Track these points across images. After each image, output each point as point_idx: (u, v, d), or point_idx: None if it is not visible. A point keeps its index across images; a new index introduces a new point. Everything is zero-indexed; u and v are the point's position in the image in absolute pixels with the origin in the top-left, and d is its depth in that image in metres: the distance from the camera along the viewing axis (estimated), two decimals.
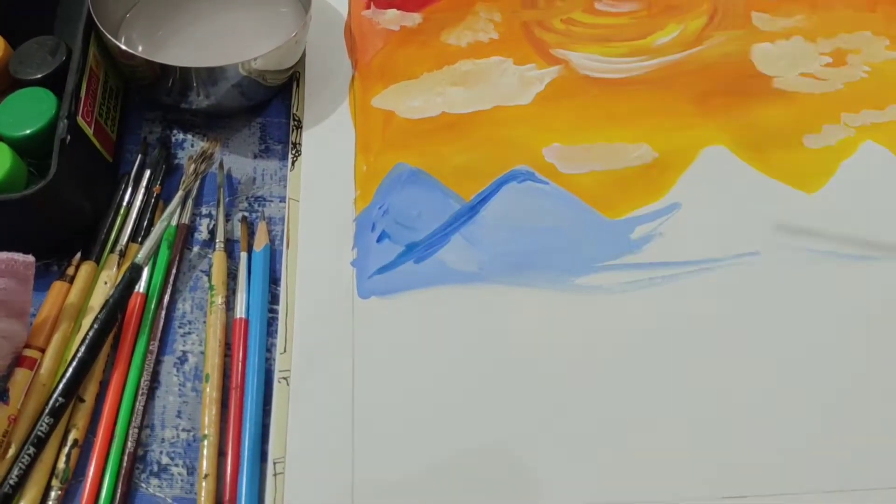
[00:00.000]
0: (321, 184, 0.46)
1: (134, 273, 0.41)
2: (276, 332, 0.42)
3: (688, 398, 0.39)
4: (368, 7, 0.52)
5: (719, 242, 0.43)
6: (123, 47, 0.45)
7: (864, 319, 0.40)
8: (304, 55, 0.50)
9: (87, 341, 0.39)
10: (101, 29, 0.45)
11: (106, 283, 0.42)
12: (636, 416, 0.38)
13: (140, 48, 0.50)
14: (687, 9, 0.52)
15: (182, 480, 0.38)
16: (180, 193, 0.44)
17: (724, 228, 0.43)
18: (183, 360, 0.41)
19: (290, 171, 0.46)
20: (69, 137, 0.41)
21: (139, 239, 0.44)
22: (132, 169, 0.47)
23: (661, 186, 0.45)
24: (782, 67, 0.49)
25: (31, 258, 0.39)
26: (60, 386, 0.38)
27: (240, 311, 0.42)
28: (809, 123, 0.47)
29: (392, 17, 0.52)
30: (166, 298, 0.43)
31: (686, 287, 0.41)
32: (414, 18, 0.52)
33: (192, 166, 0.45)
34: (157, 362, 0.41)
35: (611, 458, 0.37)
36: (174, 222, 0.44)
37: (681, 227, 0.43)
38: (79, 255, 0.43)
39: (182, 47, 0.50)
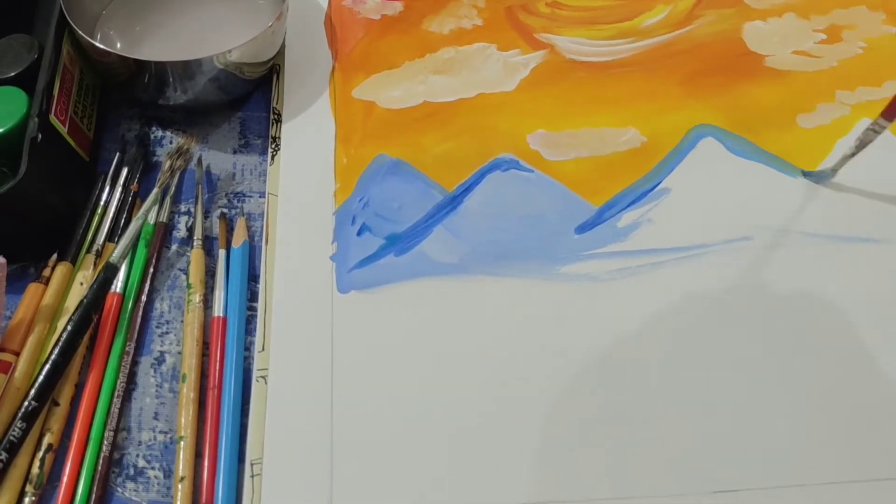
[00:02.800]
0: (300, 177, 0.45)
1: (108, 272, 0.40)
2: (254, 329, 0.41)
3: (677, 388, 0.37)
4: None
5: (709, 228, 0.41)
6: (96, 44, 0.45)
7: (861, 304, 0.39)
8: (283, 47, 0.49)
9: (60, 343, 0.38)
10: (73, 26, 0.44)
11: (82, 283, 0.42)
12: (623, 407, 0.37)
13: (118, 45, 0.49)
14: None
15: (158, 484, 0.37)
16: (156, 191, 0.43)
17: (714, 213, 0.42)
18: (160, 360, 0.40)
19: (270, 165, 0.45)
20: (40, 136, 0.41)
21: (116, 238, 0.43)
22: (110, 168, 0.46)
23: (649, 171, 0.44)
24: (775, 45, 0.48)
25: (2, 260, 0.38)
26: (33, 390, 0.37)
27: (218, 310, 0.41)
28: (803, 102, 0.45)
29: (373, 6, 0.51)
30: (143, 298, 0.42)
31: (675, 274, 0.40)
32: (395, 6, 0.51)
33: (169, 163, 0.44)
34: (134, 363, 0.40)
35: (599, 450, 0.36)
36: (152, 220, 0.44)
37: (669, 212, 0.42)
38: (55, 256, 0.42)
39: (160, 42, 0.49)
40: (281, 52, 0.49)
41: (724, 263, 0.40)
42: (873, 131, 0.39)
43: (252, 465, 0.36)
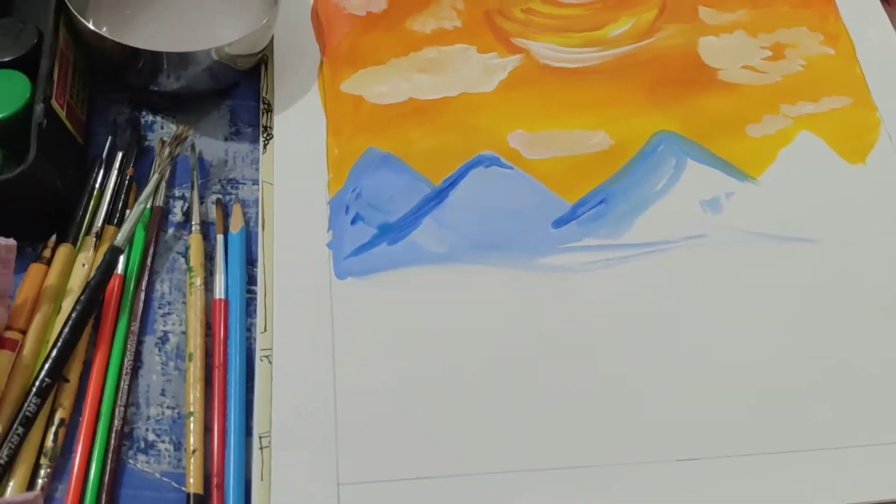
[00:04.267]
0: (294, 167, 0.47)
1: (113, 255, 0.42)
2: (254, 311, 0.43)
3: (643, 368, 0.42)
4: None
5: (670, 225, 0.46)
6: (94, 29, 0.46)
7: (799, 296, 0.44)
8: (272, 39, 0.51)
9: (70, 322, 0.40)
10: (73, 10, 0.45)
11: (84, 265, 0.43)
12: (596, 386, 0.41)
13: (105, 28, 0.50)
14: (638, 2, 0.55)
15: (169, 456, 0.39)
16: (155, 177, 0.45)
17: (674, 212, 0.46)
18: (164, 340, 0.42)
19: (263, 154, 0.48)
20: (45, 121, 0.42)
21: (115, 221, 0.45)
22: (103, 151, 0.47)
23: (617, 171, 0.48)
24: (726, 60, 0.53)
25: (12, 242, 0.39)
26: (46, 366, 0.39)
27: (219, 292, 0.43)
28: (751, 113, 0.51)
29: (358, 2, 0.53)
30: (144, 280, 0.44)
31: (641, 267, 0.45)
32: (379, 3, 0.53)
33: (167, 149, 0.46)
34: (139, 342, 0.42)
35: (573, 425, 0.40)
36: (148, 205, 0.45)
37: (635, 210, 0.46)
38: (54, 237, 0.44)
39: (149, 28, 0.50)
40: (269, 44, 0.51)
41: (683, 257, 0.45)
42: None
43: (261, 437, 0.39)
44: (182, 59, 0.46)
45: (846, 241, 0.45)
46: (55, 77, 0.43)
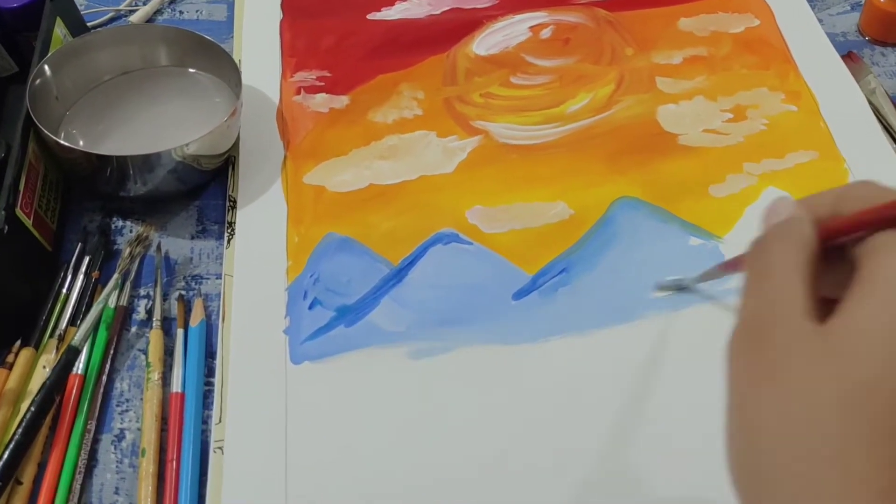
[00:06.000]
0: (254, 257, 0.47)
1: (70, 355, 0.42)
2: (212, 403, 0.42)
3: (622, 443, 0.40)
4: (299, 93, 0.56)
5: (635, 291, 0.45)
6: (62, 142, 0.48)
7: None
8: (238, 140, 0.53)
9: (23, 424, 0.40)
10: (40, 126, 0.47)
11: (45, 367, 0.43)
12: (556, 459, 0.39)
13: (81, 142, 0.52)
14: (596, 77, 0.56)
15: None
16: (116, 276, 0.46)
17: (638, 278, 0.45)
18: (120, 437, 0.42)
19: (226, 248, 0.48)
20: (6, 228, 0.43)
21: (78, 322, 0.45)
22: (72, 257, 0.48)
23: (576, 241, 0.47)
24: (686, 125, 0.53)
25: None
26: None
27: (176, 386, 0.43)
28: (714, 174, 0.50)
29: (321, 101, 0.55)
30: (104, 378, 0.44)
31: (609, 335, 0.43)
32: (342, 101, 0.55)
33: (128, 249, 0.47)
34: (95, 441, 0.42)
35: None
36: (112, 304, 0.46)
37: (594, 280, 0.45)
38: (19, 342, 0.44)
39: (121, 139, 0.52)
40: (236, 145, 0.53)
41: (653, 324, 0.44)
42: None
43: None
44: (146, 163, 0.48)
45: None
46: (21, 188, 0.45)
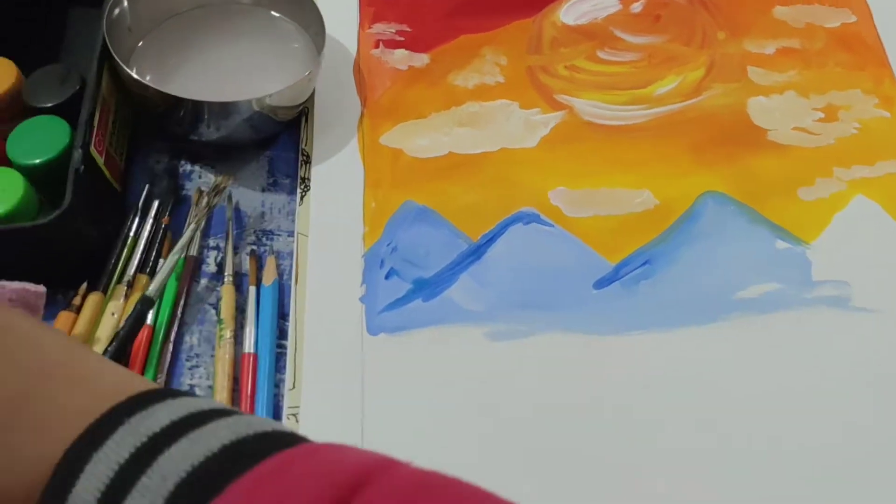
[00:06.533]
0: (330, 219, 0.46)
1: (144, 306, 0.41)
2: (284, 367, 0.42)
3: (692, 440, 0.40)
4: (377, 46, 0.53)
5: (718, 291, 0.44)
6: (137, 77, 0.46)
7: (856, 369, 0.42)
8: (313, 91, 0.51)
9: None
10: (117, 59, 0.45)
11: (113, 313, 0.42)
12: (635, 452, 0.39)
13: (148, 77, 0.50)
14: (686, 60, 0.54)
15: None
16: (193, 227, 0.44)
17: (722, 277, 0.45)
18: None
19: (299, 205, 0.47)
20: (83, 167, 0.41)
21: (147, 270, 0.44)
22: (139, 199, 0.47)
23: (661, 232, 0.46)
24: (777, 120, 0.51)
25: (42, 288, 0.38)
26: None
27: (248, 346, 0.42)
28: (803, 176, 0.49)
29: (400, 57, 0.53)
30: (174, 331, 0.43)
31: (688, 334, 0.43)
32: (422, 59, 0.53)
33: (205, 199, 0.45)
34: None
35: (613, 492, 0.38)
36: (182, 255, 0.44)
37: (678, 275, 0.45)
38: (85, 285, 0.43)
39: (192, 78, 0.50)
40: (311, 96, 0.51)
41: (733, 326, 0.43)
42: None
43: None
44: (223, 109, 0.46)
45: None
46: (95, 124, 0.44)
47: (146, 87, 0.46)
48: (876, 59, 0.54)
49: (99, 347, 0.41)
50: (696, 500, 0.39)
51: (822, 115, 0.51)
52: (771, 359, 0.42)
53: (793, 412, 0.41)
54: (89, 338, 0.42)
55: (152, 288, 0.41)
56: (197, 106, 0.46)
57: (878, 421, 0.40)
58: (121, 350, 0.40)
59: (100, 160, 0.44)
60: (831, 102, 0.52)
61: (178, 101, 0.46)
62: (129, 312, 0.41)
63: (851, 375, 0.41)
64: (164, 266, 0.42)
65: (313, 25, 0.50)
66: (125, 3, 0.48)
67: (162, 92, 0.46)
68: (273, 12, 0.52)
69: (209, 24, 0.51)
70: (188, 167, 0.49)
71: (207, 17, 0.52)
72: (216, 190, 0.45)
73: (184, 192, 0.48)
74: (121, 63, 0.45)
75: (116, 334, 0.40)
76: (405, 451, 0.39)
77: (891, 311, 0.43)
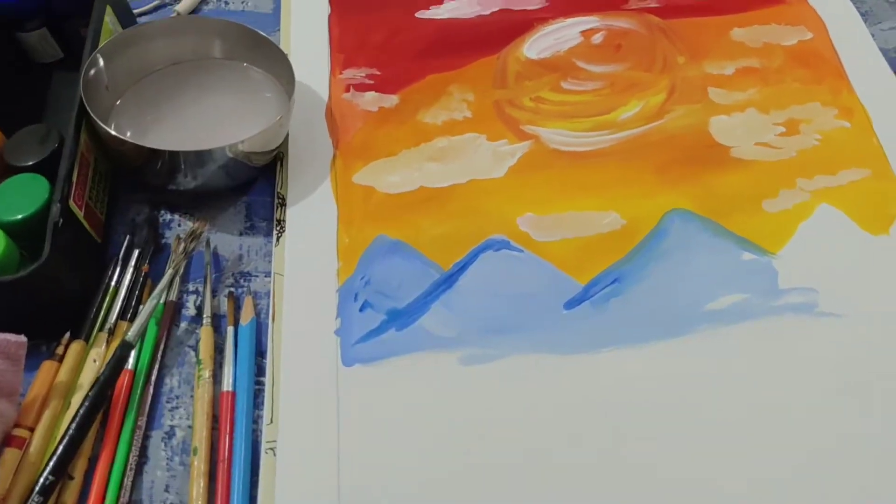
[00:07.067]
0: (305, 257, 0.47)
1: (124, 351, 0.42)
2: (262, 403, 0.42)
3: (671, 454, 0.40)
4: (348, 90, 0.55)
5: (687, 304, 0.45)
6: (114, 133, 0.48)
7: (823, 373, 0.42)
8: (287, 136, 0.53)
9: (76, 419, 0.40)
10: (93, 116, 0.47)
11: (95, 360, 0.43)
12: (618, 473, 0.39)
13: (128, 133, 0.52)
14: (647, 86, 0.55)
15: None
16: (170, 272, 0.45)
17: (691, 291, 0.45)
18: (171, 434, 0.42)
19: (276, 246, 0.48)
20: (61, 220, 0.43)
21: (127, 316, 0.45)
22: (120, 249, 0.48)
23: (628, 251, 0.47)
24: (739, 137, 0.52)
25: (23, 339, 0.40)
26: (51, 464, 0.38)
27: (227, 385, 0.43)
28: (767, 189, 0.50)
29: (370, 99, 0.55)
30: (154, 374, 0.44)
31: (660, 349, 0.43)
32: (392, 100, 0.55)
33: (182, 245, 0.47)
34: (146, 437, 0.42)
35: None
36: (162, 300, 0.46)
37: (646, 291, 0.45)
38: (68, 334, 0.44)
39: (169, 132, 0.52)
40: (285, 141, 0.52)
41: (704, 337, 0.43)
42: None
43: None
44: (199, 158, 0.47)
45: (871, 313, 0.43)
46: (74, 179, 0.45)
47: (123, 141, 0.48)
48: (833, 71, 0.55)
49: (80, 394, 0.42)
50: None
51: (783, 129, 0.53)
52: (743, 367, 0.43)
53: (766, 418, 0.41)
54: (72, 385, 0.43)
55: (131, 333, 0.42)
56: (173, 156, 0.47)
57: (848, 421, 0.40)
58: (101, 395, 0.41)
59: (79, 213, 0.46)
60: (792, 117, 0.53)
61: (154, 154, 0.47)
62: (110, 358, 0.42)
63: (821, 379, 0.42)
64: (143, 311, 0.43)
65: (284, 75, 0.52)
66: (101, 64, 0.50)
67: (138, 145, 0.47)
68: (245, 64, 0.54)
69: (184, 80, 0.53)
70: (168, 216, 0.51)
71: (182, 72, 0.54)
72: (192, 235, 0.47)
73: (164, 241, 0.50)
74: (97, 120, 0.47)
75: (96, 380, 0.41)
76: (382, 477, 0.39)
77: (857, 314, 0.44)
